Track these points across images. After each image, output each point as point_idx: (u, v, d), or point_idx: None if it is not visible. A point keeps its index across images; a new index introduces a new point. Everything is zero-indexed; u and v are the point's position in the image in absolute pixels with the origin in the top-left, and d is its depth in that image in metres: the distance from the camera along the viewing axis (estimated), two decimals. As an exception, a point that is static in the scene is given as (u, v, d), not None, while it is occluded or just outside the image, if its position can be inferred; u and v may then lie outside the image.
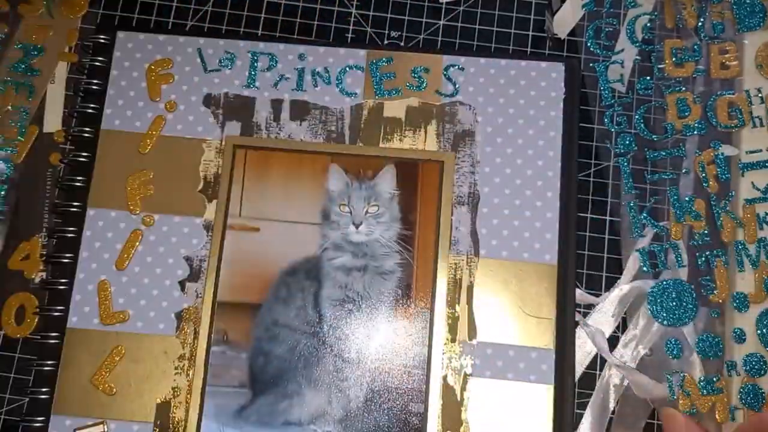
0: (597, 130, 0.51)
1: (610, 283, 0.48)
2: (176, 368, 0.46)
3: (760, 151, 0.49)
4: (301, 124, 0.50)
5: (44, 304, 0.48)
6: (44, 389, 0.45)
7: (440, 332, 0.46)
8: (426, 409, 0.44)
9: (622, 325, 0.48)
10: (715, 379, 0.45)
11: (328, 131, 0.49)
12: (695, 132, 0.50)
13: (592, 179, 0.51)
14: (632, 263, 0.48)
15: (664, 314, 0.46)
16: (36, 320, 0.48)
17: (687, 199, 0.49)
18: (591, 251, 0.49)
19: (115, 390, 0.45)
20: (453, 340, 0.46)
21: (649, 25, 0.51)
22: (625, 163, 0.49)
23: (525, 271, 0.47)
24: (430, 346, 0.45)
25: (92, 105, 0.50)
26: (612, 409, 0.46)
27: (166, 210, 0.48)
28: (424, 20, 0.54)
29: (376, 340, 0.46)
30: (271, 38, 0.52)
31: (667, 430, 0.44)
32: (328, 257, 0.46)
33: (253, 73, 0.51)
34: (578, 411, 0.46)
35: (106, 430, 0.45)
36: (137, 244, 0.48)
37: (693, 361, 0.46)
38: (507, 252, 0.47)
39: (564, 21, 0.52)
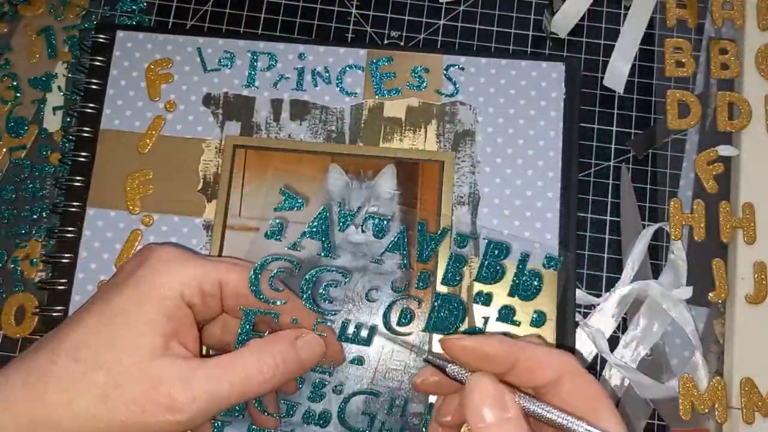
0: (597, 130, 0.51)
1: (611, 284, 0.48)
2: (176, 368, 0.45)
3: (760, 151, 0.49)
4: (301, 124, 0.50)
5: (44, 305, 0.47)
6: (44, 389, 0.45)
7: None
8: (426, 409, 0.44)
9: (623, 326, 0.48)
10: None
11: (328, 131, 0.49)
12: (695, 132, 0.50)
13: (592, 179, 0.51)
14: (632, 263, 0.48)
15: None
16: (35, 320, 0.48)
17: (686, 199, 0.49)
18: (591, 251, 0.49)
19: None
20: (453, 341, 0.45)
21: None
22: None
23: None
24: (430, 346, 0.45)
25: (92, 105, 0.50)
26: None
27: (166, 210, 0.48)
28: (424, 20, 0.54)
29: (376, 341, 0.45)
30: (271, 38, 0.52)
31: (470, 403, 0.31)
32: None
33: (252, 72, 0.50)
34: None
35: (105, 430, 0.45)
36: (137, 244, 0.47)
37: (696, 362, 0.46)
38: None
39: (565, 20, 0.51)
